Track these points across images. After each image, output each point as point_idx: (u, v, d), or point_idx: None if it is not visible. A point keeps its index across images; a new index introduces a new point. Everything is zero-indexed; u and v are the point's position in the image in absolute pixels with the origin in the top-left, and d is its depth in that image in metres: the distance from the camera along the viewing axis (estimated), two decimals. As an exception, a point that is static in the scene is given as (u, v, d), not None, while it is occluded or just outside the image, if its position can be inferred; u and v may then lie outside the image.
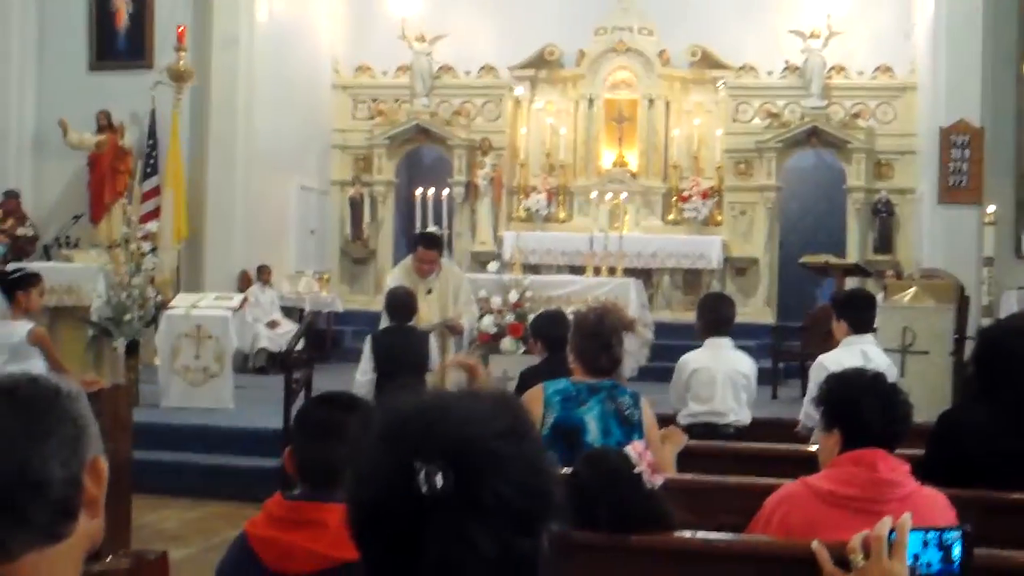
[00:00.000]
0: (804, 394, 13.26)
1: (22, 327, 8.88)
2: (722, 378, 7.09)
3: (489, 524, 1.50)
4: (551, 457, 1.63)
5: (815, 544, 2.14)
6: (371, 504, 1.54)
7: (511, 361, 11.71)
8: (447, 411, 1.57)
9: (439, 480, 1.48)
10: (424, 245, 9.92)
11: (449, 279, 9.95)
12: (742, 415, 7.14)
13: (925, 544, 2.07)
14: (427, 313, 9.32)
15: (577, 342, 5.31)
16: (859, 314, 7.07)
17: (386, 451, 1.54)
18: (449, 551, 1.48)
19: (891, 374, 6.93)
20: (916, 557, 2.07)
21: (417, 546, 1.49)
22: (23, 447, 1.78)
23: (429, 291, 9.63)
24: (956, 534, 2.09)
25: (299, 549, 2.96)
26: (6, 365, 8.50)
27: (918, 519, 2.25)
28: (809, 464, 4.12)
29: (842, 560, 2.12)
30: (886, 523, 2.07)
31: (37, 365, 8.53)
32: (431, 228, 13.64)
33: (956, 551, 2.08)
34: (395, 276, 10.11)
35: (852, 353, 6.69)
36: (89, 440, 1.87)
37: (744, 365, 7.26)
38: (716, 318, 7.32)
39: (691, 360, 7.22)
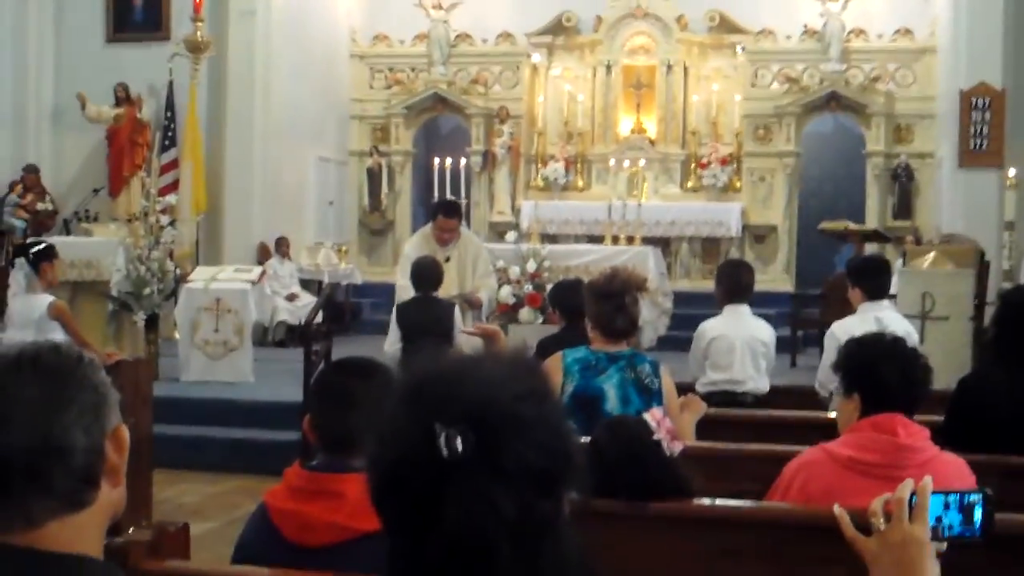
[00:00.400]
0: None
1: (43, 300, 8.99)
2: (740, 346, 7.07)
3: (509, 486, 1.50)
4: (570, 420, 1.63)
5: (836, 509, 2.14)
6: (392, 467, 1.54)
7: (530, 331, 11.72)
8: (467, 374, 1.57)
9: (459, 443, 1.48)
10: (444, 213, 9.89)
11: (468, 248, 9.92)
12: (761, 383, 7.12)
13: (946, 507, 2.07)
14: (446, 282, 9.30)
15: (591, 307, 5.30)
16: (872, 281, 6.99)
17: (406, 414, 1.54)
18: (470, 513, 1.49)
19: (910, 339, 6.92)
20: (938, 519, 2.06)
21: (438, 508, 1.50)
22: (46, 414, 1.80)
23: (447, 259, 9.60)
24: (977, 497, 2.08)
25: (318, 520, 2.97)
26: (27, 337, 8.61)
27: (938, 484, 2.24)
28: (828, 431, 4.10)
29: (863, 525, 2.11)
30: (907, 486, 2.05)
31: (58, 339, 8.59)
32: (450, 197, 13.60)
33: (977, 514, 2.07)
34: (413, 244, 10.09)
35: (865, 320, 6.63)
36: (111, 408, 1.88)
37: (763, 332, 7.22)
38: (735, 285, 7.29)
39: (709, 328, 7.19)
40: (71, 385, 1.84)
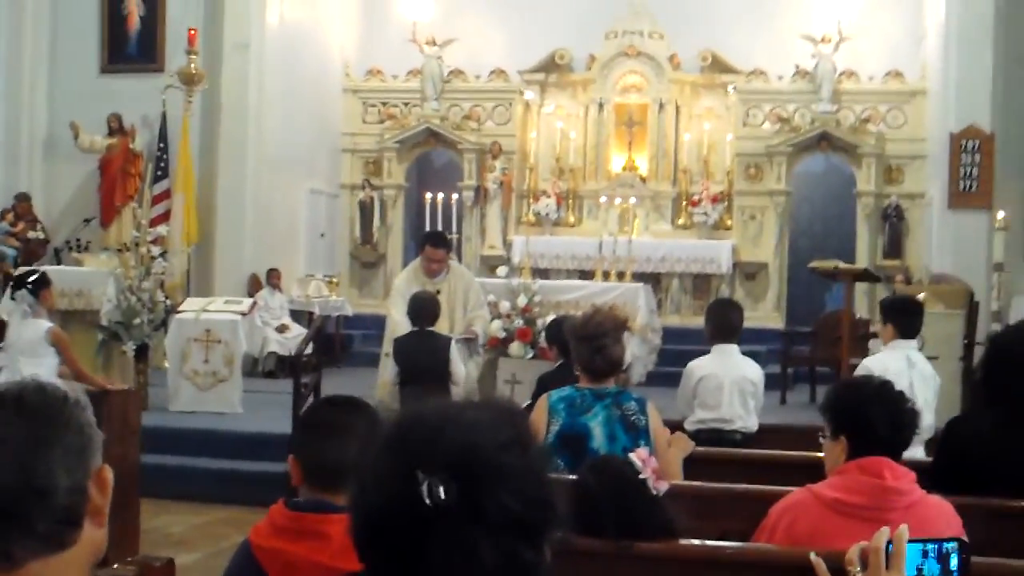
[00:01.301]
0: (813, 399, 13.36)
1: (42, 325, 9.08)
2: (729, 385, 7.07)
3: (492, 535, 1.50)
4: (554, 467, 1.64)
5: (813, 556, 2.14)
6: (375, 513, 1.55)
7: (519, 365, 11.72)
8: (451, 422, 1.57)
9: (442, 491, 1.48)
10: (432, 244, 9.89)
11: (459, 280, 9.92)
12: (749, 422, 7.13)
13: (924, 555, 2.07)
14: None
15: (573, 347, 5.33)
16: (908, 319, 7.13)
17: (390, 461, 1.55)
18: (452, 561, 1.49)
19: (934, 382, 6.99)
20: (918, 569, 2.07)
21: (420, 556, 1.50)
22: (29, 454, 1.78)
23: (437, 292, 9.61)
24: (953, 544, 2.09)
25: (303, 560, 2.96)
26: (20, 361, 8.68)
27: (925, 527, 2.25)
28: (815, 471, 4.10)
29: (840, 572, 2.11)
30: (883, 534, 2.06)
31: (50, 364, 8.72)
32: (437, 229, 13.62)
33: (954, 561, 2.08)
34: (404, 278, 10.10)
35: (897, 357, 6.79)
36: (95, 449, 1.87)
37: (751, 372, 7.24)
38: (724, 324, 7.31)
39: (698, 367, 7.20)
40: (55, 425, 1.82)
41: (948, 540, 2.10)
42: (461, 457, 1.52)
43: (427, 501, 1.48)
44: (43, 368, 8.62)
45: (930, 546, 2.08)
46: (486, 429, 1.56)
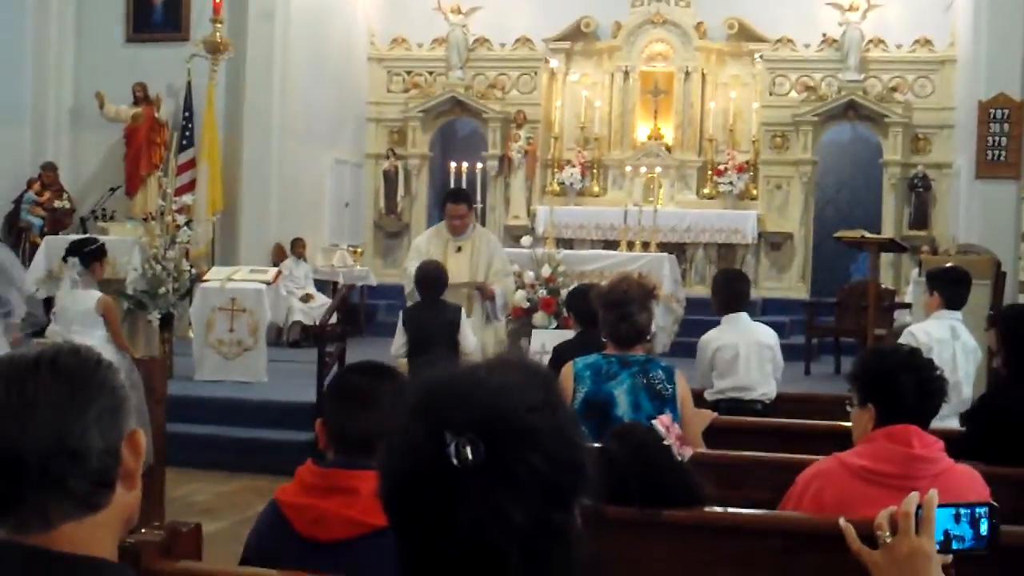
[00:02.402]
0: (837, 371, 13.32)
1: (91, 296, 9.19)
2: (745, 352, 7.07)
3: (522, 496, 1.49)
4: (583, 430, 1.62)
5: (842, 522, 2.13)
6: (403, 476, 1.54)
7: (549, 336, 11.70)
8: (479, 383, 1.56)
9: (471, 452, 1.47)
10: (452, 200, 9.82)
11: (484, 242, 9.82)
12: (768, 388, 7.11)
13: (955, 519, 2.06)
14: (456, 270, 9.20)
15: (600, 314, 5.32)
16: (954, 290, 7.13)
17: (418, 423, 1.54)
18: (481, 522, 1.48)
19: (975, 355, 6.98)
20: (946, 532, 2.05)
21: (449, 518, 1.49)
22: (63, 416, 1.80)
23: (459, 249, 9.54)
24: (984, 509, 2.07)
25: (332, 515, 2.97)
26: (72, 331, 8.80)
27: (952, 495, 2.23)
28: (842, 440, 4.09)
29: (870, 536, 2.10)
30: (913, 499, 2.04)
31: (101, 335, 8.86)
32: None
33: (984, 526, 2.06)
34: (425, 236, 10.06)
35: (942, 327, 6.78)
36: (128, 412, 1.88)
37: (765, 336, 7.24)
38: (731, 295, 7.30)
39: (712, 339, 7.19)
40: (89, 388, 1.84)
41: (979, 505, 2.09)
42: (489, 418, 1.51)
43: (455, 462, 1.47)
44: (95, 339, 8.71)
45: (962, 511, 2.07)
46: (515, 390, 1.55)
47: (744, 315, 7.25)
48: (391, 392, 2.98)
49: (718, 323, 7.48)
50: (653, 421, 3.83)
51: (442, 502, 1.49)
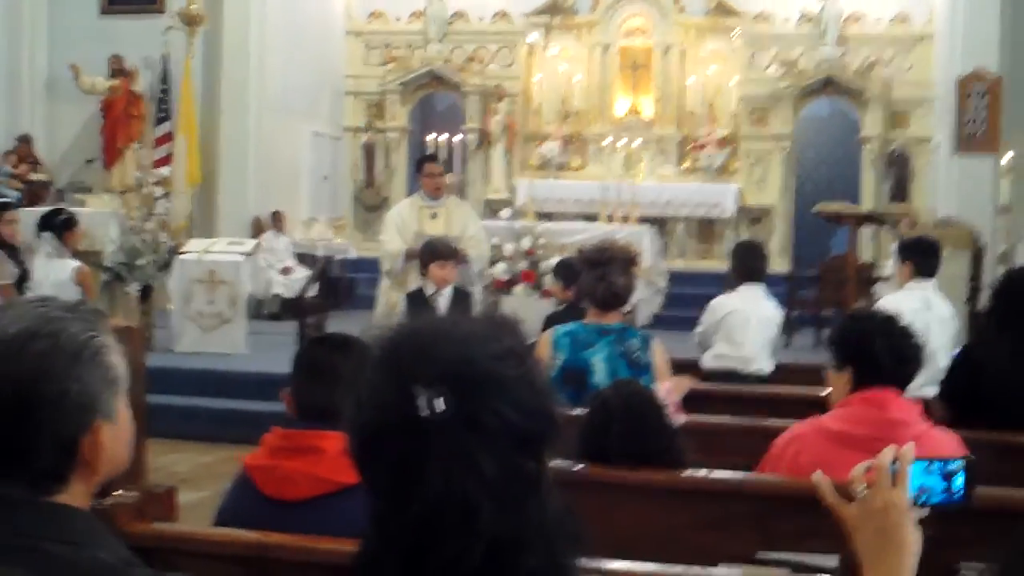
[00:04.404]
0: (817, 343, 13.36)
1: (68, 266, 9.17)
2: (755, 323, 7.07)
3: (491, 446, 1.49)
4: (559, 402, 1.62)
5: (816, 475, 2.13)
6: (371, 429, 1.54)
7: (522, 303, 11.71)
8: (445, 334, 1.57)
9: (439, 404, 1.47)
10: (429, 160, 9.87)
11: (459, 210, 9.83)
12: (767, 363, 7.12)
13: (928, 473, 2.06)
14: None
15: (582, 276, 5.35)
16: (925, 258, 7.12)
17: (385, 376, 1.54)
18: (451, 473, 1.48)
19: (951, 324, 6.98)
20: (922, 486, 2.05)
21: (419, 470, 1.49)
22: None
23: (434, 216, 9.52)
24: (959, 464, 2.08)
25: (298, 474, 2.98)
26: None
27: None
28: (819, 407, 4.10)
29: (846, 494, 2.10)
30: (889, 452, 2.05)
31: None
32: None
33: (959, 481, 2.06)
34: (399, 208, 10.05)
35: (913, 298, 6.78)
36: (95, 401, 1.87)
37: (775, 313, 7.28)
38: (751, 266, 7.32)
39: (726, 302, 7.20)
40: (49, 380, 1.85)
41: (955, 459, 2.09)
42: (456, 368, 1.51)
43: (424, 414, 1.47)
44: None
45: (934, 464, 2.07)
46: (481, 340, 1.55)
47: (761, 288, 7.26)
48: (356, 364, 2.97)
49: (701, 298, 7.51)
50: (655, 385, 3.86)
51: (412, 455, 1.49)
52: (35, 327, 1.85)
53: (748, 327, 7.03)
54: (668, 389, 3.80)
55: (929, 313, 6.79)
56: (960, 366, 4.99)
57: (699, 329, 7.26)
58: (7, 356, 1.82)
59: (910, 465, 2.04)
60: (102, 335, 1.91)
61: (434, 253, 8.05)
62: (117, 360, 1.92)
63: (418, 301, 8.16)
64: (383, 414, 1.52)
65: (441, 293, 7.97)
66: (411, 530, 1.51)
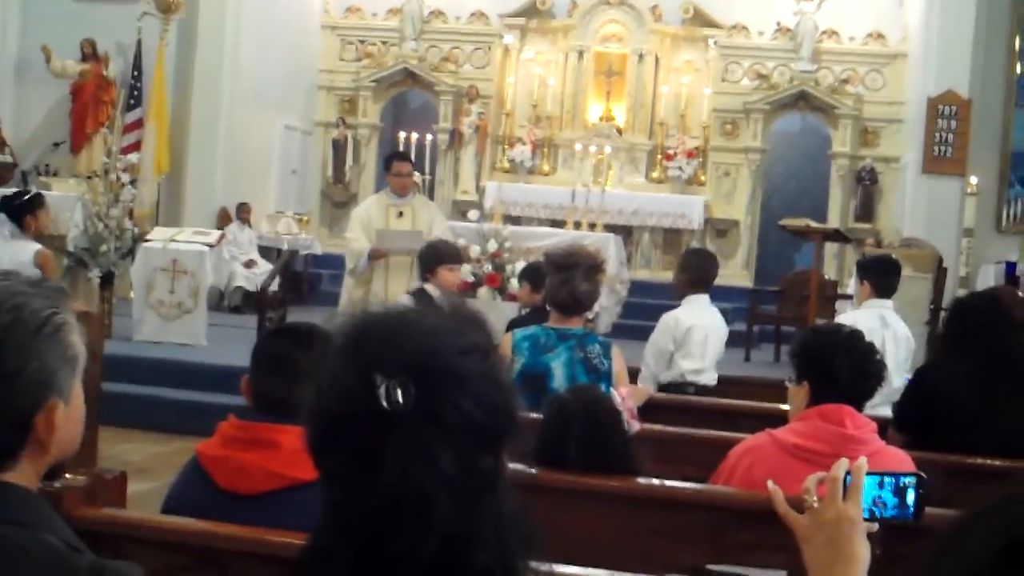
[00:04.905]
0: (777, 359, 13.42)
1: (28, 248, 9.09)
2: (712, 336, 6.96)
3: (450, 440, 1.48)
4: (520, 405, 1.62)
5: (770, 484, 2.14)
6: (331, 417, 1.52)
7: (484, 307, 11.68)
8: (410, 325, 1.55)
9: (400, 394, 1.46)
10: (398, 158, 9.84)
11: (424, 208, 9.81)
12: (714, 375, 7.06)
13: (880, 487, 2.07)
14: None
15: (547, 279, 5.35)
16: (884, 278, 7.13)
17: (347, 364, 1.52)
18: (409, 466, 1.47)
19: (907, 344, 7.01)
20: (873, 500, 2.06)
21: (376, 460, 1.47)
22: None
23: (400, 214, 9.50)
24: (911, 479, 2.09)
25: (252, 467, 2.96)
26: None
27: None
28: (778, 421, 4.11)
29: (798, 503, 2.11)
30: (842, 464, 2.06)
31: None
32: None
33: (911, 496, 2.07)
34: (365, 205, 10.04)
35: (871, 316, 6.78)
36: (49, 381, 1.85)
37: (723, 323, 7.19)
38: (702, 275, 7.14)
39: (683, 318, 6.95)
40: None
41: (906, 474, 2.10)
42: (420, 360, 1.50)
43: (384, 404, 1.46)
44: None
45: (886, 479, 2.08)
46: (446, 334, 1.54)
47: (707, 298, 7.10)
48: (315, 356, 2.95)
49: (663, 308, 7.41)
50: (611, 390, 3.85)
51: (370, 444, 1.48)
52: None
53: (707, 342, 6.92)
54: (624, 395, 3.78)
55: (886, 331, 6.82)
56: (912, 392, 5.02)
57: (659, 346, 6.98)
58: None
59: (863, 479, 2.05)
60: (64, 313, 1.89)
61: (442, 256, 7.90)
62: (77, 340, 1.90)
63: (425, 302, 7.91)
64: (343, 402, 1.51)
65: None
66: (366, 521, 1.50)
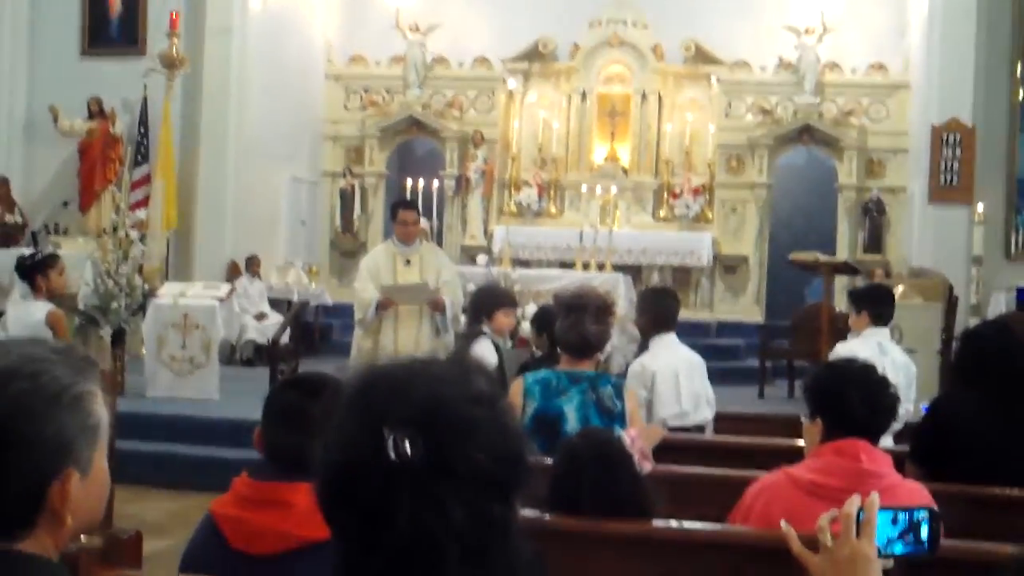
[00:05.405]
0: (791, 394, 13.37)
1: (41, 308, 9.09)
2: (685, 375, 6.75)
3: (460, 491, 1.48)
4: (532, 450, 1.61)
5: (784, 525, 2.12)
6: (340, 471, 1.52)
7: (483, 348, 11.66)
8: (416, 376, 1.55)
9: (408, 447, 1.46)
10: (404, 207, 9.84)
11: (432, 256, 9.80)
12: (707, 411, 6.84)
13: (894, 523, 2.06)
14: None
15: (558, 321, 5.32)
16: (879, 307, 7.15)
17: (355, 417, 1.52)
18: (420, 518, 1.46)
19: (907, 371, 6.97)
20: (888, 537, 2.05)
21: (387, 514, 1.47)
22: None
23: (408, 262, 9.49)
24: (924, 514, 2.08)
25: (266, 529, 2.94)
26: None
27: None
28: (792, 457, 4.08)
29: (813, 542, 2.10)
30: (855, 502, 2.05)
31: None
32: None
33: (924, 531, 2.06)
34: (373, 255, 10.02)
35: (868, 345, 6.77)
36: (67, 448, 1.83)
37: (696, 358, 6.95)
38: (663, 314, 7.00)
39: (648, 362, 6.79)
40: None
41: (919, 509, 2.09)
42: (427, 411, 1.49)
43: (393, 456, 1.46)
44: None
45: (900, 514, 2.07)
46: (453, 383, 1.54)
47: (674, 336, 6.94)
48: (327, 407, 2.94)
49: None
50: (620, 432, 3.83)
51: (380, 497, 1.47)
52: (17, 366, 1.81)
53: (678, 383, 6.70)
54: (633, 436, 3.77)
55: (885, 359, 6.78)
56: (928, 424, 5.00)
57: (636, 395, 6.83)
58: None
59: (876, 515, 2.04)
60: (88, 382, 1.86)
61: (500, 300, 7.90)
62: (99, 409, 1.87)
63: (491, 348, 7.72)
64: (352, 455, 1.50)
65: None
66: (378, 574, 1.49)
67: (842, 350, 6.74)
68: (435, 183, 15.68)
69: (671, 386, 6.74)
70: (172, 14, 15.07)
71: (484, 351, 7.34)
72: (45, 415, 1.79)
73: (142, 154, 15.64)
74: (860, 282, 15.41)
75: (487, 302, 7.84)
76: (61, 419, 1.80)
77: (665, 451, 5.22)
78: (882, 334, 7.04)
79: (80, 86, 15.92)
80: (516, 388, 5.12)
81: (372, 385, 1.55)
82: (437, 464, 1.47)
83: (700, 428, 6.79)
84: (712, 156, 18.23)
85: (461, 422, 1.50)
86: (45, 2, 16.55)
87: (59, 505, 1.81)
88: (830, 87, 17.99)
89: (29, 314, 9.12)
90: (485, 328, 7.66)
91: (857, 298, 7.43)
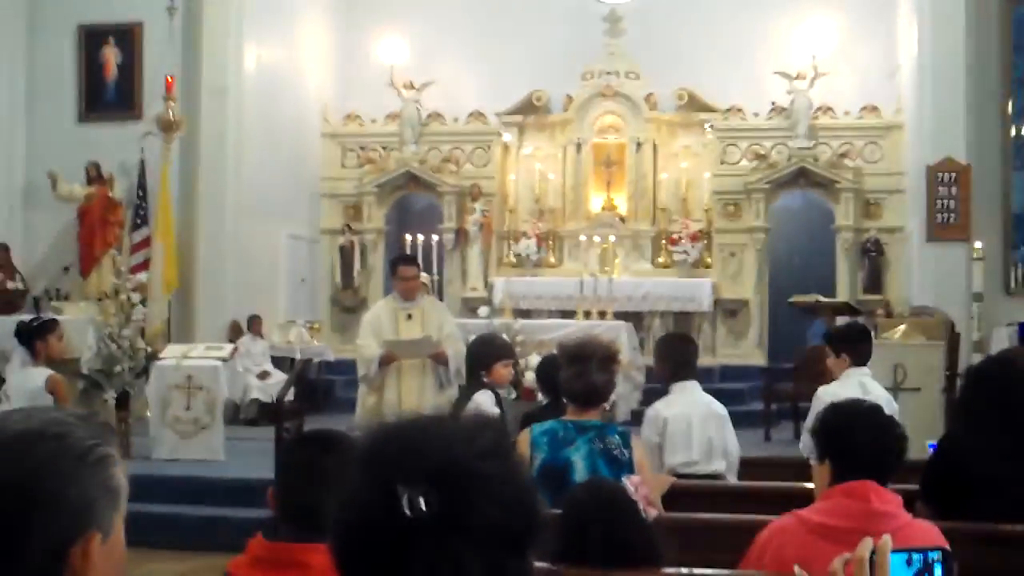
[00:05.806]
0: (796, 436, 13.33)
1: (40, 374, 9.10)
2: (700, 424, 6.69)
3: (476, 546, 1.48)
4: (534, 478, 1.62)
5: (796, 568, 2.12)
6: (355, 530, 1.52)
7: (480, 399, 11.65)
8: (428, 433, 1.56)
9: (422, 502, 1.46)
10: (404, 263, 9.85)
11: (433, 310, 9.81)
12: (720, 464, 6.72)
13: (909, 563, 2.06)
14: (408, 338, 9.27)
15: (562, 371, 5.32)
16: (857, 347, 7.14)
17: (368, 475, 1.53)
18: (436, 574, 1.46)
19: (889, 406, 6.95)
20: (901, 579, 2.05)
21: (403, 570, 1.47)
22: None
23: (409, 316, 9.50)
24: (937, 554, 2.08)
25: None
26: None
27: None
28: (801, 501, 4.09)
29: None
30: (867, 544, 2.05)
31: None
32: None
33: (938, 571, 2.06)
34: (374, 310, 10.02)
35: (850, 385, 6.74)
36: (87, 512, 1.83)
37: (718, 407, 6.86)
38: (683, 360, 6.95)
39: (663, 409, 6.77)
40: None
41: (932, 550, 2.09)
42: (440, 467, 1.50)
43: (407, 513, 1.46)
44: None
45: (914, 556, 2.07)
46: (463, 439, 1.55)
47: (695, 383, 6.89)
48: (341, 462, 2.95)
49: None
50: (624, 479, 3.83)
51: (396, 554, 1.48)
52: (42, 428, 1.82)
53: (691, 431, 6.66)
54: (636, 483, 3.77)
55: (868, 397, 6.76)
56: (936, 464, 4.99)
57: (649, 441, 6.64)
58: (10, 453, 1.78)
59: (888, 557, 2.04)
60: (109, 446, 1.88)
61: (499, 353, 7.83)
62: (119, 473, 1.88)
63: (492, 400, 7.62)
64: (366, 513, 1.51)
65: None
66: None
67: (823, 393, 6.68)
68: (434, 237, 15.74)
69: (683, 434, 6.68)
70: (167, 78, 15.16)
71: (485, 403, 7.31)
72: (71, 475, 1.79)
73: (141, 217, 15.69)
74: (862, 322, 15.44)
75: (485, 354, 7.78)
76: (86, 480, 1.81)
77: (674, 497, 5.22)
78: (863, 373, 7.04)
79: (78, 151, 15.98)
80: (524, 440, 5.12)
81: (383, 443, 1.56)
82: (452, 520, 1.48)
83: (713, 478, 6.64)
84: (708, 202, 18.28)
85: (474, 477, 1.51)
86: (42, 68, 16.66)
87: (80, 569, 1.80)
88: (824, 130, 18.08)
89: (29, 380, 9.14)
90: (485, 380, 7.62)
91: (835, 341, 7.40)
